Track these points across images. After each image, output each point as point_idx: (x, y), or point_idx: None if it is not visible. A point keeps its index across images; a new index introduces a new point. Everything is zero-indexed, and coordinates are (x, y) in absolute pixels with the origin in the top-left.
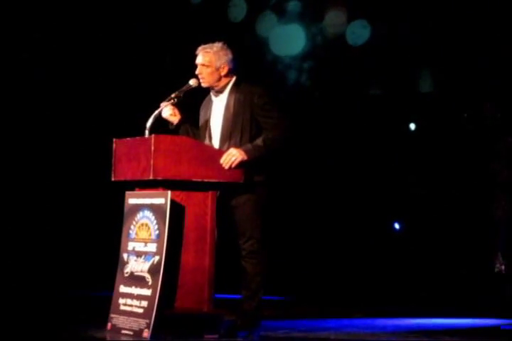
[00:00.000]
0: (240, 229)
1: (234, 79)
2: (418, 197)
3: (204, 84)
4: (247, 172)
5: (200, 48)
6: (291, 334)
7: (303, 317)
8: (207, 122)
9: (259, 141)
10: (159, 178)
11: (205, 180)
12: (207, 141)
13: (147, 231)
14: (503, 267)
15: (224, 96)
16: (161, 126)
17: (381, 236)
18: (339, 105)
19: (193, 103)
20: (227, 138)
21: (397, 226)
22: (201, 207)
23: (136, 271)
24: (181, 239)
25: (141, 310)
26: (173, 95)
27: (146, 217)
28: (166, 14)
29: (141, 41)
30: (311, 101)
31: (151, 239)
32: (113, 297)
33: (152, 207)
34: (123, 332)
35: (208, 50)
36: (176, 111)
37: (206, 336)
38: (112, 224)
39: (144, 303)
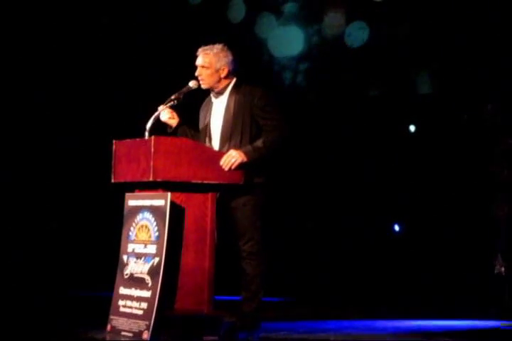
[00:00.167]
0: (240, 230)
1: (234, 80)
2: (418, 199)
3: (204, 86)
4: (247, 173)
5: (200, 50)
6: (291, 336)
7: (303, 319)
8: (207, 124)
9: (259, 143)
10: (159, 180)
11: (205, 182)
12: (207, 143)
13: (147, 232)
14: (502, 269)
15: (224, 97)
16: (161, 127)
17: (381, 237)
18: (338, 107)
19: (193, 104)
20: (227, 140)
21: (396, 227)
22: (201, 209)
23: (136, 273)
24: (181, 241)
25: (140, 312)
26: (172, 97)
27: (145, 219)
28: (165, 16)
29: (141, 43)
30: (309, 103)
31: (151, 241)
32: (113, 298)
33: (152, 209)
34: (123, 333)
35: (208, 51)
36: (174, 114)
37: (206, 337)
38: (112, 226)
39: (144, 305)
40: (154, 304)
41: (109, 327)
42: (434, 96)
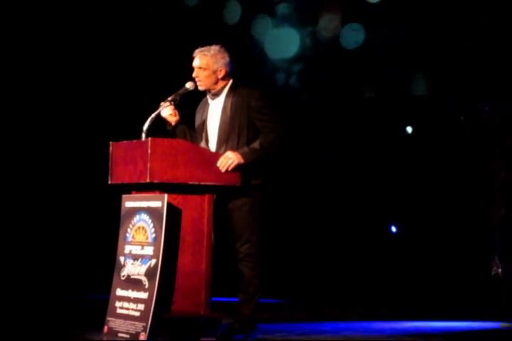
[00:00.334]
0: (237, 232)
1: (231, 82)
2: (415, 200)
3: (201, 87)
4: (244, 175)
5: (197, 51)
6: (288, 338)
7: (300, 320)
8: (203, 125)
9: (256, 144)
10: (156, 181)
11: (202, 183)
12: (204, 144)
13: (144, 234)
14: (499, 270)
15: (221, 99)
16: (158, 128)
17: (378, 239)
18: (336, 108)
19: (189, 106)
20: (224, 141)
21: (394, 229)
22: (198, 210)
23: (133, 274)
24: (178, 242)
25: (137, 314)
26: (169, 98)
27: (142, 220)
28: (162, 17)
29: (137, 44)
30: (306, 104)
31: (148, 242)
32: (110, 300)
33: (149, 210)
34: (120, 335)
35: (206, 52)
36: (176, 112)
37: (203, 339)
38: (109, 228)
39: (141, 306)
40: (151, 306)
41: (106, 328)
42: (431, 97)
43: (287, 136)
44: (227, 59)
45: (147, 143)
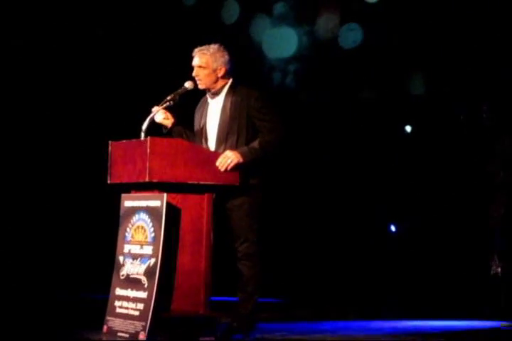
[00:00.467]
0: (236, 231)
1: (230, 81)
2: (414, 199)
3: (201, 86)
4: (243, 174)
5: (196, 50)
6: (288, 337)
7: (299, 320)
8: (203, 124)
9: (255, 144)
10: (155, 181)
11: (201, 183)
12: (203, 144)
13: (143, 233)
14: (499, 269)
15: (220, 98)
16: (157, 128)
17: (377, 238)
18: (335, 107)
19: (188, 105)
20: (224, 141)
21: (393, 228)
22: (197, 210)
23: (132, 274)
24: (177, 242)
25: (137, 313)
26: (168, 98)
27: (142, 220)
28: (161, 17)
29: (136, 44)
30: (305, 104)
31: (147, 242)
32: (109, 299)
33: (148, 210)
34: (119, 334)
35: (205, 51)
36: (169, 115)
37: (202, 339)
38: (108, 227)
39: (140, 306)
40: (150, 305)
41: (105, 328)
42: (430, 96)
43: (286, 136)
44: (226, 57)
45: (146, 142)
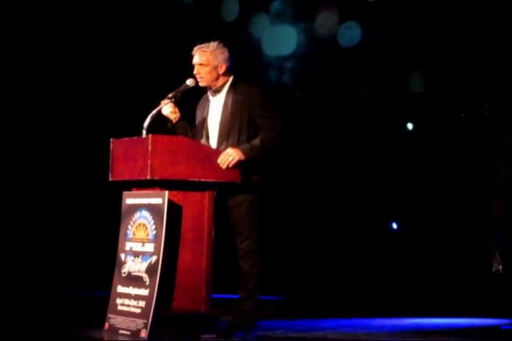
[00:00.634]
0: (237, 229)
1: (231, 78)
2: (416, 197)
3: (202, 84)
4: (244, 172)
5: (196, 48)
6: (289, 334)
7: (300, 317)
8: (204, 122)
9: (256, 141)
10: (156, 178)
11: (202, 180)
12: (204, 141)
13: (144, 231)
14: (500, 267)
15: (221, 95)
16: (158, 125)
17: (379, 236)
18: (337, 105)
19: (189, 103)
20: (225, 138)
21: (394, 226)
22: (198, 207)
23: (134, 271)
24: (179, 239)
25: (138, 310)
26: (170, 95)
27: (143, 217)
28: (161, 15)
29: (138, 41)
30: (306, 102)
31: (149, 239)
32: (110, 297)
33: (149, 207)
34: (120, 332)
35: (205, 49)
36: (176, 109)
37: (203, 336)
38: (110, 224)
39: (142, 303)
40: (152, 302)
41: (106, 325)
42: (432, 94)
43: (288, 133)
44: (226, 54)
45: (148, 140)
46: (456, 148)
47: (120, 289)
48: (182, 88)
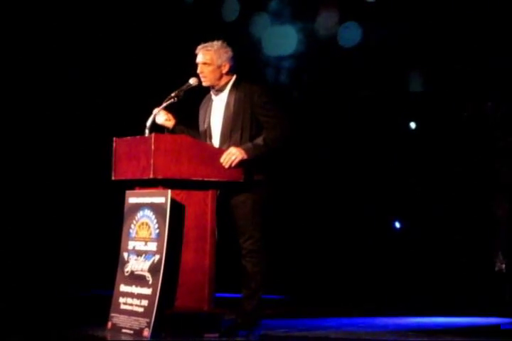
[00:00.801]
0: (240, 228)
1: (234, 77)
2: (419, 196)
3: (205, 83)
4: (247, 171)
5: (199, 47)
6: (291, 334)
7: (303, 316)
8: (207, 121)
9: (259, 140)
10: (159, 177)
11: (205, 179)
12: (207, 140)
13: (147, 230)
14: (503, 266)
15: (224, 95)
16: (160, 126)
17: (381, 235)
18: (339, 103)
19: (192, 103)
20: (228, 137)
21: (397, 225)
22: (201, 206)
23: (137, 270)
24: (181, 238)
25: (141, 309)
26: (173, 94)
27: (146, 216)
28: (162, 14)
29: (139, 40)
30: (310, 101)
31: (152, 238)
32: (113, 296)
33: (152, 206)
34: (123, 331)
35: (209, 48)
36: (170, 116)
37: (206, 335)
38: (112, 223)
39: (145, 302)
40: (155, 301)
41: (109, 324)
42: (434, 93)
43: (291, 132)
44: (230, 53)
45: (150, 139)
46: (459, 147)
47: (123, 288)
48: (185, 87)
